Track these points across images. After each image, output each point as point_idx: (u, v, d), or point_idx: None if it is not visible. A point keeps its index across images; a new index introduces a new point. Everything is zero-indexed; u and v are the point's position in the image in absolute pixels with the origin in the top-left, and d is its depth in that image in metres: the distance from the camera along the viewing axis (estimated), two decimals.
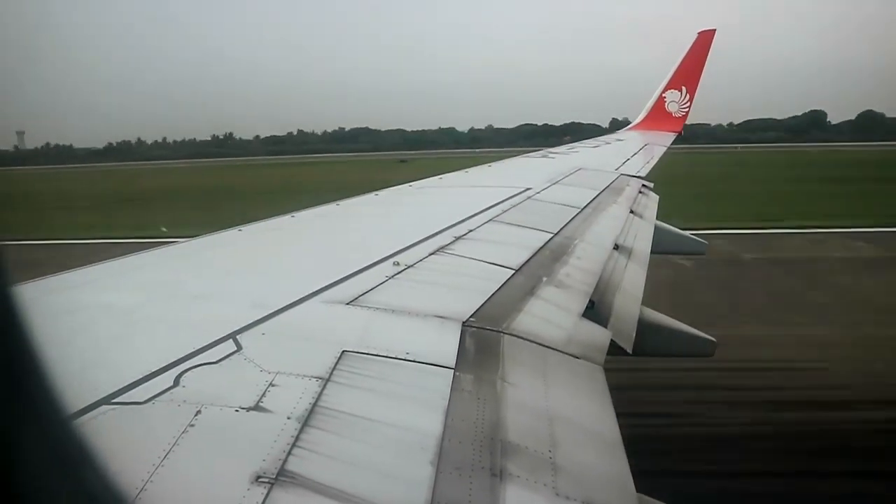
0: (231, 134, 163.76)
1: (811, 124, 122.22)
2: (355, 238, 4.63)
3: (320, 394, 1.94)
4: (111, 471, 0.92)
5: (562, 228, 5.02)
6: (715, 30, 17.33)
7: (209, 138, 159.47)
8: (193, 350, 2.13)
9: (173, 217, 27.38)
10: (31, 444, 0.83)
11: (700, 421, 8.48)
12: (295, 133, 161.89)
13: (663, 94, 18.04)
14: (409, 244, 3.94)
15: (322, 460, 1.63)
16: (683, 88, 17.73)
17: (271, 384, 1.96)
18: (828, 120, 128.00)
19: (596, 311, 3.43)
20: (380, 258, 3.54)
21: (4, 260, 0.86)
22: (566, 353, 2.68)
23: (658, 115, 18.02)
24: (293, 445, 1.65)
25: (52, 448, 0.86)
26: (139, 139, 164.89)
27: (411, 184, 7.65)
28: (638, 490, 1.87)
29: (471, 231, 4.51)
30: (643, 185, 8.75)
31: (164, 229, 22.58)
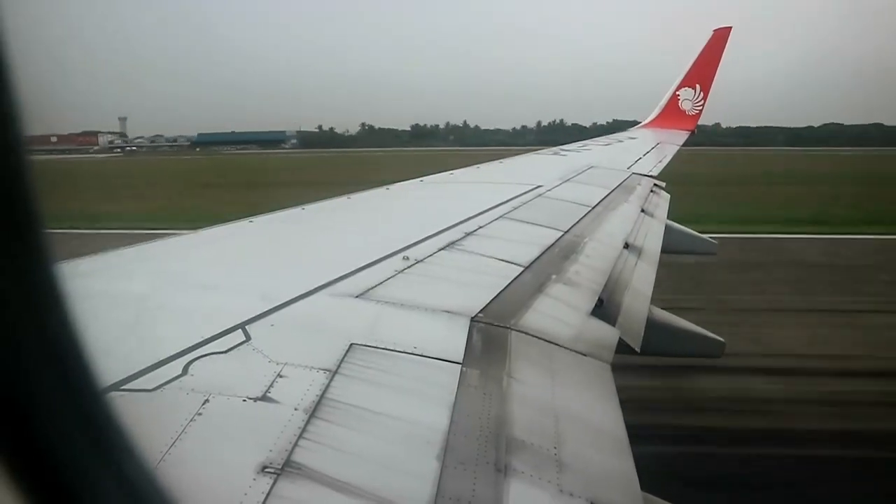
0: (465, 122, 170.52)
1: None
2: (365, 232, 4.64)
3: (328, 386, 1.94)
4: (140, 446, 0.94)
5: (572, 226, 5.00)
6: (731, 27, 17.14)
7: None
8: (202, 339, 2.15)
9: None
10: (67, 415, 0.86)
11: None
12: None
13: (677, 92, 17.84)
14: (419, 239, 3.94)
15: (328, 452, 1.63)
16: (697, 86, 17.51)
17: (279, 375, 1.97)
18: None
19: (605, 309, 3.42)
20: (389, 252, 3.54)
21: (50, 242, 0.87)
22: (574, 351, 2.68)
23: (671, 113, 17.81)
24: (300, 437, 1.66)
25: (86, 420, 0.89)
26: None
27: (422, 178, 7.65)
28: (643, 489, 1.87)
29: (481, 227, 4.50)
30: (655, 185, 8.70)
31: None
